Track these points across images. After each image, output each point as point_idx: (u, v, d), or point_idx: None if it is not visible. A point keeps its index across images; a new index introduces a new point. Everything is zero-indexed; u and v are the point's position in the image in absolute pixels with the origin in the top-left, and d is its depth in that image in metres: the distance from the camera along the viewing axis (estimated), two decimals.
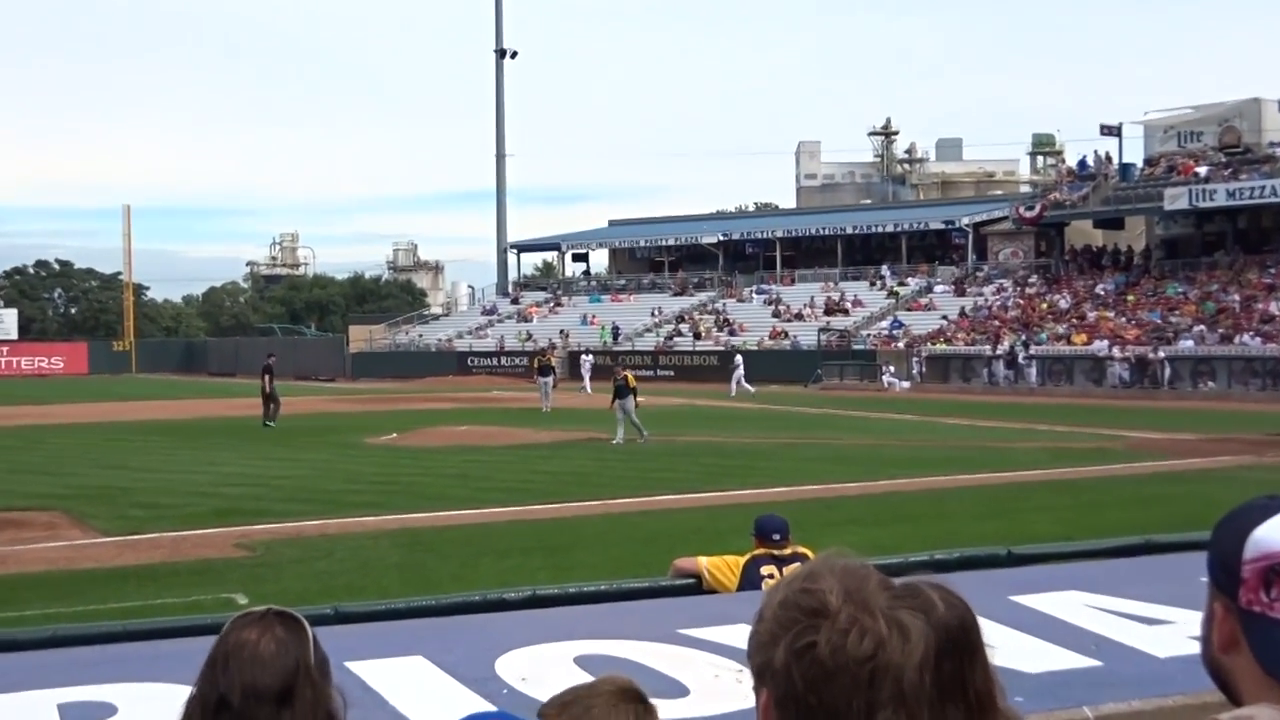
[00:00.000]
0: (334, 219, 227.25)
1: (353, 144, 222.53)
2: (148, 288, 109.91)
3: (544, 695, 1.98)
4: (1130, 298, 50.78)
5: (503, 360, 62.02)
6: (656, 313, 64.56)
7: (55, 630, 4.89)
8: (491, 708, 3.39)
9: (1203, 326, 45.50)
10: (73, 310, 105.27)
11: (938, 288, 59.32)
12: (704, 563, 6.19)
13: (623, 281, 72.43)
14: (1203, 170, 52.21)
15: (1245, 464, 21.01)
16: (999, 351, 47.60)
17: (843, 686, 1.29)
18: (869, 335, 54.71)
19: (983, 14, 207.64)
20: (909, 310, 57.65)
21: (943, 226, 63.06)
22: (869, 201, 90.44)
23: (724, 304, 63.96)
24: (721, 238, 68.76)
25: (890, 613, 1.33)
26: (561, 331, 63.18)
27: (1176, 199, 51.19)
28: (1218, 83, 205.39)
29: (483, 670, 3.99)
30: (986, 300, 55.42)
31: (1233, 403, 38.22)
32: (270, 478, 20.46)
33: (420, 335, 70.11)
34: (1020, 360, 46.58)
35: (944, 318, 54.27)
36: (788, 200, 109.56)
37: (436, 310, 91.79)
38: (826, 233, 66.69)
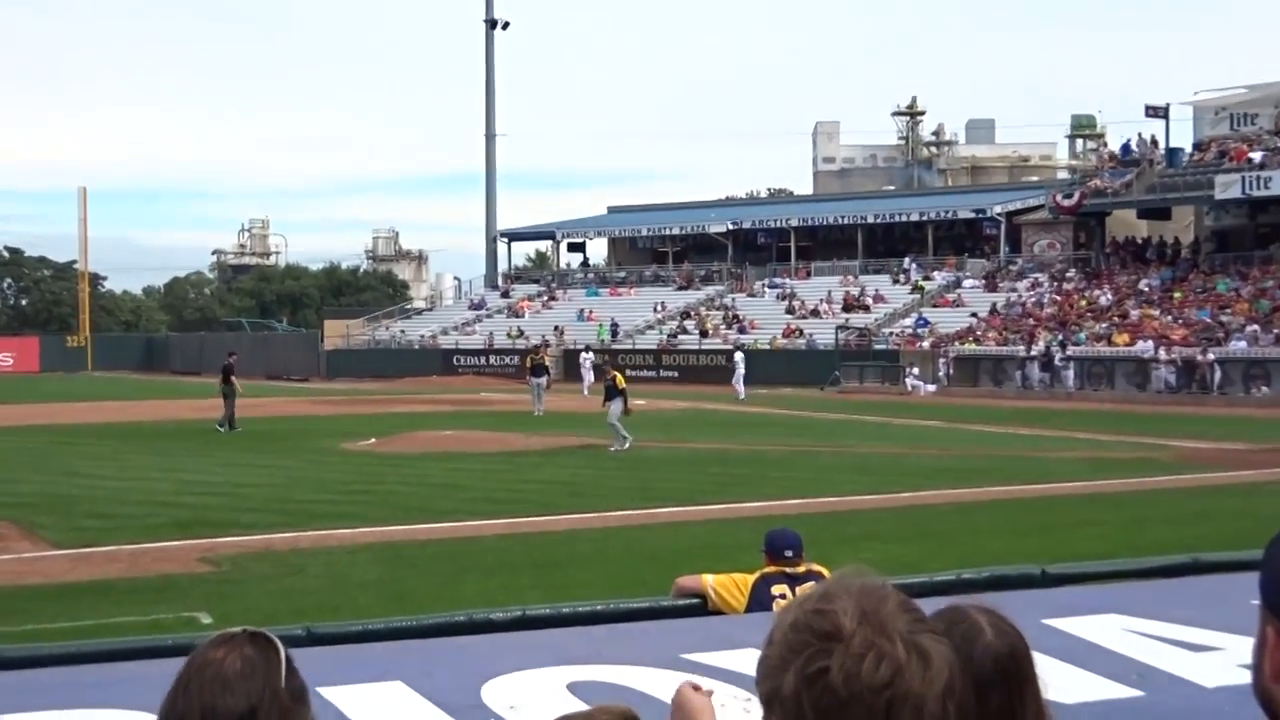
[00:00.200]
0: (308, 204, 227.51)
1: (329, 122, 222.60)
2: (105, 278, 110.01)
3: None
4: (1177, 295, 50.76)
5: (491, 359, 62.03)
6: (659, 308, 64.56)
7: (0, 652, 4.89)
8: None
9: (1256, 326, 45.46)
10: (23, 302, 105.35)
11: (967, 282, 59.30)
12: (709, 581, 6.19)
13: (622, 274, 72.42)
14: (1257, 156, 52.17)
15: None
16: (1033, 352, 47.59)
17: (857, 716, 1.29)
18: (891, 334, 54.69)
19: None
20: (935, 307, 57.62)
21: (973, 215, 63.04)
22: (892, 188, 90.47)
23: (733, 299, 63.96)
24: (731, 226, 68.76)
25: (910, 637, 1.33)
26: (556, 328, 63.19)
27: (1228, 187, 51.15)
28: (1275, 59, 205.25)
29: (468, 697, 3.99)
30: (1020, 296, 55.41)
31: None
32: (237, 486, 20.46)
33: (402, 331, 70.13)
34: (1057, 362, 46.57)
35: (973, 315, 54.26)
36: (803, 186, 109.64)
37: (419, 304, 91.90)
38: (845, 222, 66.68)
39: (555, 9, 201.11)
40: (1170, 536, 14.15)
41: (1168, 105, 57.71)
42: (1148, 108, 57.50)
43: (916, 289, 59.83)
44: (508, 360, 59.93)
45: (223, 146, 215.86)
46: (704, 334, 59.15)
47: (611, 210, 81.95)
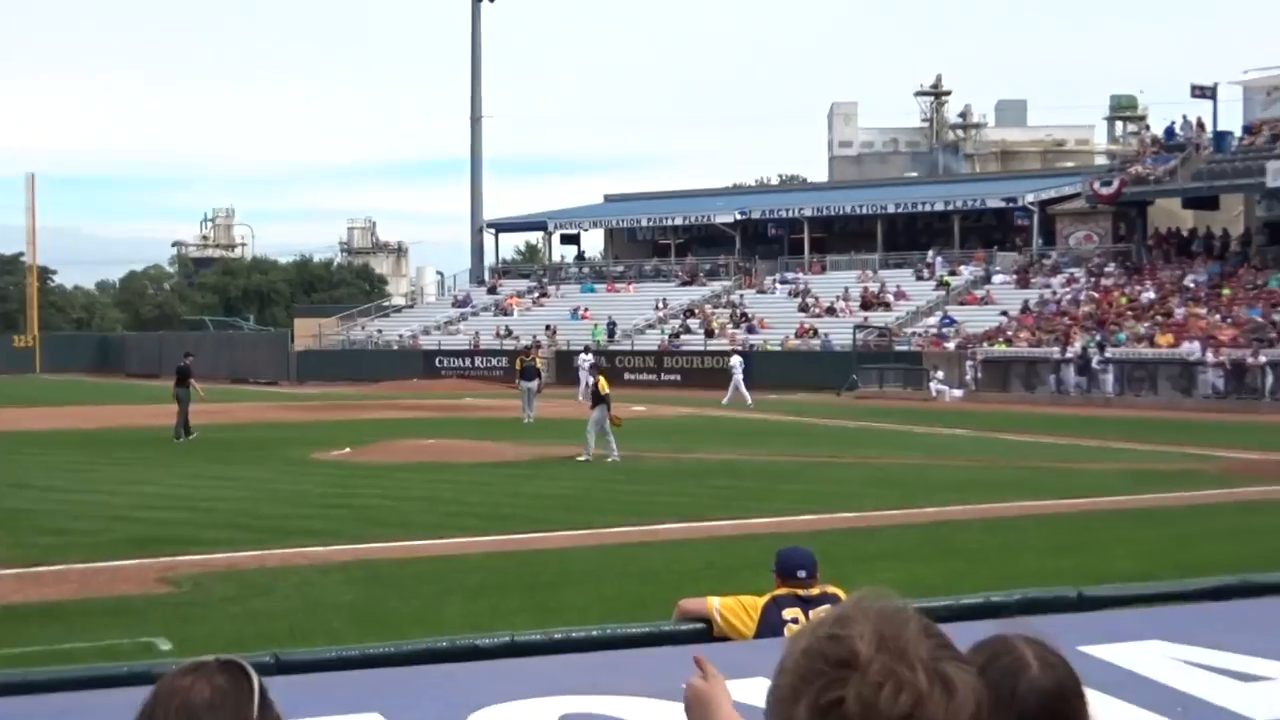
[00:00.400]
0: (277, 191, 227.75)
1: (300, 103, 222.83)
2: (55, 272, 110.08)
3: None
4: (1225, 291, 50.78)
5: (477, 361, 62.06)
6: (660, 305, 64.61)
7: None
8: None
9: None
10: None
11: (996, 278, 59.35)
12: (715, 604, 6.20)
13: (620, 268, 72.46)
14: None
15: None
16: (1069, 354, 47.62)
17: None
18: (914, 334, 54.72)
19: None
20: (962, 304, 57.66)
21: (1003, 205, 63.10)
22: (915, 174, 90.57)
23: (741, 296, 64.01)
24: (739, 217, 68.80)
25: (933, 664, 1.33)
26: (547, 327, 63.23)
27: None
28: None
29: None
30: (1054, 293, 55.45)
31: None
32: (200, 500, 20.47)
33: (379, 331, 70.16)
34: (1094, 365, 46.60)
35: (1003, 314, 54.30)
36: (818, 173, 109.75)
37: (399, 301, 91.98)
38: (864, 212, 66.73)
39: None
40: (1218, 555, 14.14)
41: (1215, 85, 57.79)
42: (1194, 87, 57.53)
43: (941, 285, 59.86)
44: (495, 362, 59.95)
45: (184, 130, 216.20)
46: (709, 334, 59.18)
47: (608, 199, 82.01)
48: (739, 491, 21.24)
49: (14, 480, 22.98)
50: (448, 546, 16.10)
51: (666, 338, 60.51)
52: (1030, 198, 61.45)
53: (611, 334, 61.79)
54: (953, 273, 60.75)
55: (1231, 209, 58.10)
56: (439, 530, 17.21)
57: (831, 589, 6.34)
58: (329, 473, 24.59)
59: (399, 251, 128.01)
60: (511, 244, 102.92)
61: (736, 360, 47.07)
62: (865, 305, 59.04)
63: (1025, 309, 54.20)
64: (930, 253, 62.97)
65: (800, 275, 64.82)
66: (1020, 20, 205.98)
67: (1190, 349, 45.83)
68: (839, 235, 68.68)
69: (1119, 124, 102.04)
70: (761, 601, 6.23)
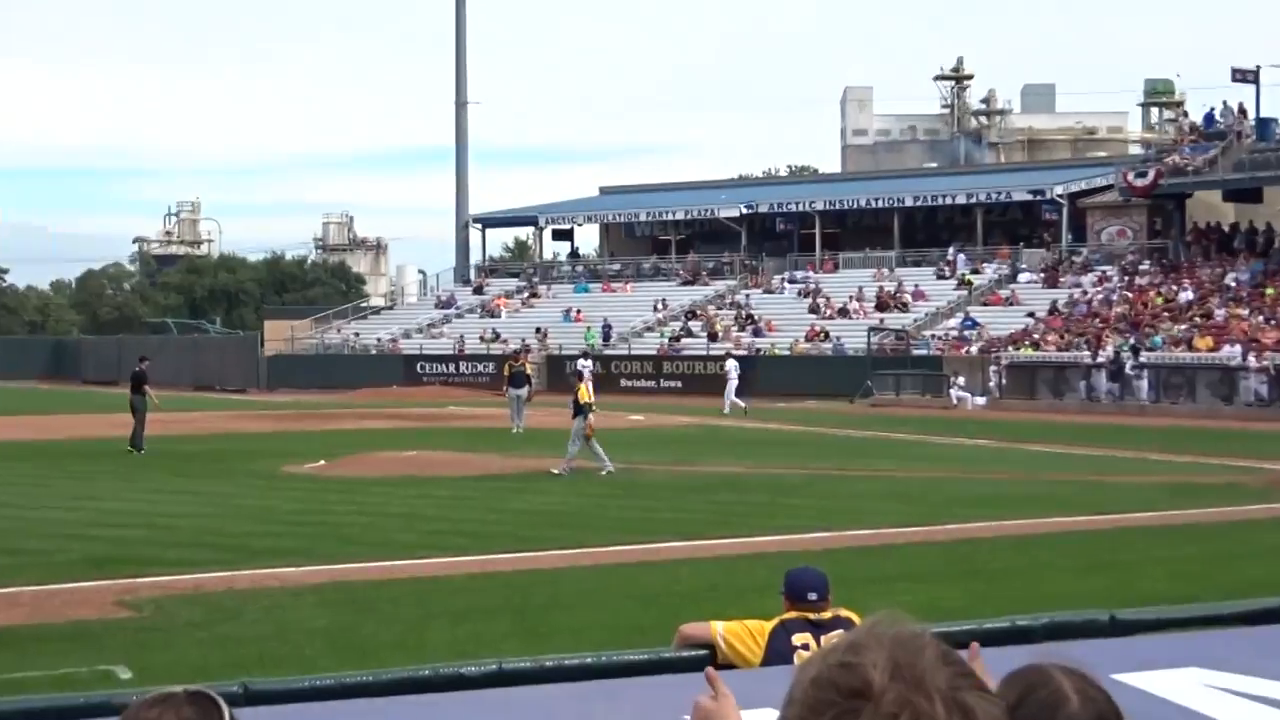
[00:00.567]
0: (246, 183, 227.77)
1: (271, 87, 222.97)
2: (6, 271, 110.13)
3: None
4: (1270, 291, 50.83)
5: (462, 366, 62.09)
6: (660, 307, 64.65)
7: None
8: None
9: None
10: None
11: (1022, 276, 59.40)
12: (718, 629, 6.20)
13: (617, 266, 72.51)
14: None
15: None
16: (1100, 359, 47.66)
17: None
18: (933, 337, 54.76)
19: None
20: (985, 305, 57.71)
21: (1029, 198, 63.16)
22: (935, 165, 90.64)
23: (747, 296, 64.06)
24: (744, 211, 68.86)
25: (952, 694, 1.33)
26: (538, 330, 63.28)
27: None
28: None
29: None
30: (1085, 293, 55.51)
31: None
32: (162, 517, 20.47)
33: (356, 334, 70.18)
34: (1128, 370, 46.64)
35: (1030, 315, 54.35)
36: (830, 163, 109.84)
37: (377, 302, 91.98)
38: (880, 205, 66.79)
39: None
40: (1261, 575, 14.16)
41: (1258, 68, 57.87)
42: (1234, 71, 57.59)
43: (963, 284, 59.91)
44: (481, 368, 59.96)
45: (145, 117, 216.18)
46: (713, 337, 59.21)
47: (604, 191, 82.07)
48: (744, 507, 21.25)
49: None
50: (430, 567, 16.10)
51: (666, 341, 60.55)
52: (1059, 190, 61.50)
53: (607, 337, 61.80)
54: (975, 271, 60.80)
55: (1276, 202, 58.09)
56: (420, 550, 17.21)
57: (844, 613, 6.34)
58: (301, 487, 24.58)
59: (378, 248, 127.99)
60: (499, 240, 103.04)
61: (732, 364, 47.08)
62: (881, 306, 59.07)
63: (1053, 310, 54.24)
64: (951, 249, 63.01)
65: (811, 274, 64.87)
66: None
67: (1231, 353, 45.87)
68: (852, 231, 68.72)
69: (1154, 110, 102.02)
70: (769, 626, 6.23)
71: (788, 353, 56.60)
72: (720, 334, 59.37)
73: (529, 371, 40.55)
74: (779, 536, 18.08)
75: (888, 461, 28.73)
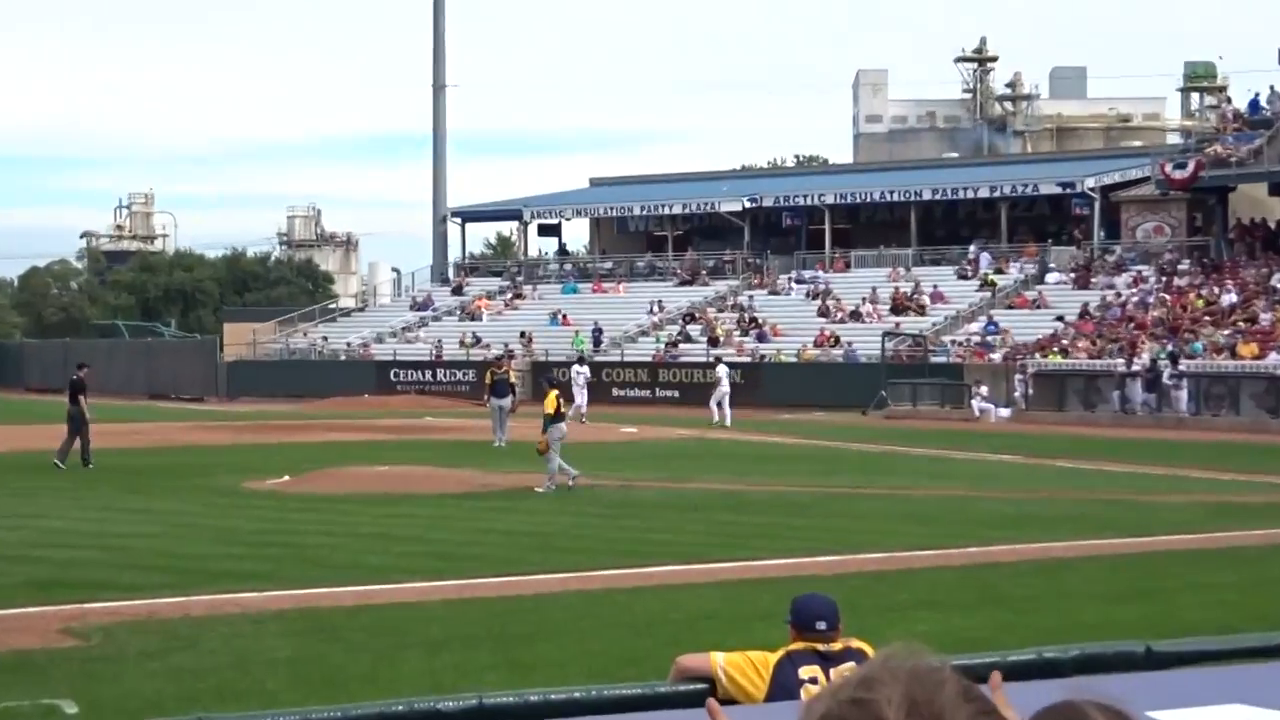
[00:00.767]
0: (204, 173, 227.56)
1: (231, 69, 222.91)
2: None
3: None
4: None
5: (439, 374, 62.05)
6: (655, 309, 64.64)
7: None
8: None
9: None
10: None
11: (1050, 277, 59.46)
12: (719, 661, 6.21)
13: (608, 265, 72.51)
14: None
15: None
16: (1136, 367, 47.70)
17: None
18: (953, 343, 54.78)
19: None
20: (1010, 308, 57.73)
21: (1058, 191, 63.21)
22: (955, 155, 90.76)
23: (750, 297, 64.05)
24: (748, 205, 68.89)
25: None
26: (522, 334, 63.25)
27: None
28: None
29: None
30: (1119, 295, 55.55)
31: None
32: (112, 537, 20.45)
33: (324, 338, 70.13)
34: (1165, 380, 46.67)
35: (1059, 319, 54.37)
36: (842, 153, 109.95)
37: (347, 303, 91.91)
38: (895, 198, 66.83)
39: None
40: None
41: None
42: None
43: (986, 285, 59.95)
44: (461, 375, 59.93)
45: (94, 100, 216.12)
46: (713, 342, 59.16)
47: (595, 183, 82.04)
48: (747, 528, 21.24)
49: None
50: (404, 592, 16.08)
51: (662, 347, 60.52)
52: (1090, 183, 61.54)
53: (598, 342, 61.79)
54: (999, 271, 60.83)
55: None
56: (394, 573, 17.18)
57: (856, 644, 6.35)
58: (264, 505, 24.57)
59: (348, 244, 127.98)
60: (480, 236, 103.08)
61: (723, 370, 46.99)
62: (896, 309, 59.09)
63: (1084, 314, 54.27)
64: (973, 247, 63.05)
65: (820, 273, 64.88)
66: None
67: (1278, 361, 45.92)
68: (865, 226, 68.75)
69: (1195, 96, 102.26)
70: (774, 658, 6.24)
71: (795, 360, 56.55)
72: (721, 339, 59.34)
73: (513, 380, 40.53)
74: (785, 560, 18.09)
75: (903, 479, 28.73)
